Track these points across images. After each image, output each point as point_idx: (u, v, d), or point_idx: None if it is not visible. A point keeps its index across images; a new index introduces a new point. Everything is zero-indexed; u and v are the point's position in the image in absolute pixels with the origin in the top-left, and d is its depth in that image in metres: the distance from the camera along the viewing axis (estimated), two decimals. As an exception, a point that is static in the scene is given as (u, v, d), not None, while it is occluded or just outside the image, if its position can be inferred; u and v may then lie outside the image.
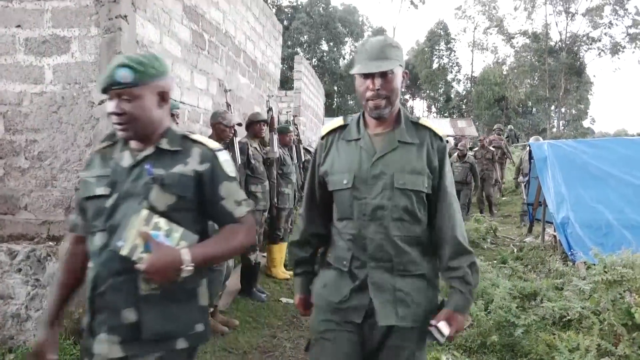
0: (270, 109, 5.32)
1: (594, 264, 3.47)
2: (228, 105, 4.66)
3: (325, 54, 47.27)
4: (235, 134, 4.27)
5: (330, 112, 43.59)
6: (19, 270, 3.46)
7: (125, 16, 3.45)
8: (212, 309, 4.04)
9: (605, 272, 2.93)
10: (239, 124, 4.62)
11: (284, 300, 4.98)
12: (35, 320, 3.44)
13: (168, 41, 4.11)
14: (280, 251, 5.74)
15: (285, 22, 44.41)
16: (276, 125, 5.40)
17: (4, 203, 3.63)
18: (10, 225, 3.63)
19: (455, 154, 10.07)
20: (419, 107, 56.33)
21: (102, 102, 3.45)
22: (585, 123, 43.57)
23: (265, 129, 4.97)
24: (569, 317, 3.29)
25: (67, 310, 3.39)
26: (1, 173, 3.63)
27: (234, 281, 5.01)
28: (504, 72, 39.05)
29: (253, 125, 4.89)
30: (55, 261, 3.41)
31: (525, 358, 3.27)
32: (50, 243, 3.51)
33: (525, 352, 3.31)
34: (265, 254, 5.85)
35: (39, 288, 3.45)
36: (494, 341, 3.39)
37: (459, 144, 10.30)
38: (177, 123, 3.23)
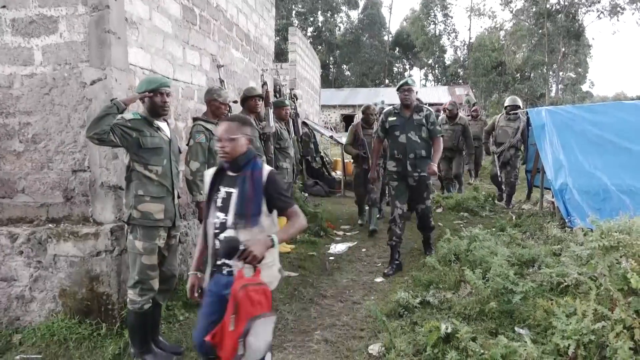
0: (264, 83, 5.26)
1: (591, 230, 3.49)
2: (221, 81, 4.61)
3: (321, 24, 46.51)
4: (230, 111, 4.23)
5: (326, 83, 43.18)
6: (21, 252, 3.49)
7: (113, -7, 3.38)
8: (214, 285, 4.08)
9: (602, 238, 2.95)
10: (235, 101, 4.58)
11: (285, 273, 5.01)
12: (39, 301, 3.49)
13: (158, 17, 4.03)
14: (280, 225, 5.77)
15: (279, -8, 43.55)
16: (271, 100, 5.35)
17: (1, 187, 3.63)
18: (9, 208, 3.64)
19: (444, 114, 8.71)
20: (416, 76, 55.79)
21: (93, 82, 3.41)
22: (584, 87, 43.32)
23: (261, 104, 4.93)
24: (566, 284, 3.33)
25: (70, 291, 3.45)
26: (-4, 157, 3.62)
27: (235, 257, 5.06)
28: (501, 38, 38.50)
29: (248, 100, 4.84)
30: (56, 243, 3.44)
31: (523, 324, 3.32)
32: (50, 225, 3.53)
33: (523, 318, 3.36)
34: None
35: (41, 270, 3.49)
36: (492, 308, 3.44)
37: (448, 103, 8.84)
38: (165, 102, 3.16)
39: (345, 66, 49.94)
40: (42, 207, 3.60)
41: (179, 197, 3.35)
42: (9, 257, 3.49)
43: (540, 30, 34.90)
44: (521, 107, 8.35)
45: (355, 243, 6.29)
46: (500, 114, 8.49)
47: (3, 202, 3.64)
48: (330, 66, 48.66)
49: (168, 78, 4.22)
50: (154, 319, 3.28)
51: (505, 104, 8.31)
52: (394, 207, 5.05)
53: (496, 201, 8.20)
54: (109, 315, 3.42)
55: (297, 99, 10.66)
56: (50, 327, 3.34)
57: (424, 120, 4.92)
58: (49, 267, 3.46)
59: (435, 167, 4.87)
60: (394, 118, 5.02)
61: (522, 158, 8.15)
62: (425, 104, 7.41)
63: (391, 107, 5.22)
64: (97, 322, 3.39)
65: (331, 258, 5.67)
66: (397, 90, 5.00)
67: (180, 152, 3.44)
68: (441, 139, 4.99)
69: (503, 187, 8.22)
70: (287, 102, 5.82)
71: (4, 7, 3.48)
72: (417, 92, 5.03)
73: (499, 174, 8.12)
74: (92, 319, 3.41)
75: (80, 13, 3.41)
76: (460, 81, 41.43)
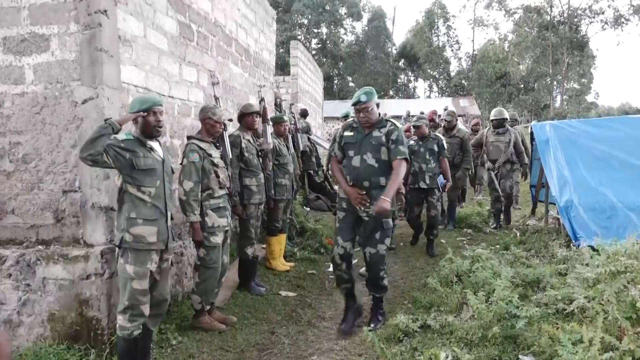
0: (262, 100, 5.19)
1: (597, 252, 3.38)
2: (216, 98, 4.54)
3: (325, 36, 46.72)
4: (225, 129, 4.16)
5: (331, 94, 43.26)
6: (9, 275, 3.40)
7: (105, 11, 3.32)
8: (208, 307, 3.98)
9: (608, 262, 2.84)
10: (230, 120, 4.51)
11: (283, 293, 4.92)
12: (27, 326, 3.39)
13: (153, 34, 3.97)
14: (279, 243, 5.67)
15: (284, 4, 43.86)
16: (269, 116, 5.28)
17: (-9, 208, 3.55)
18: (-1, 230, 3.56)
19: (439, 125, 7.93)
20: (420, 87, 55.90)
21: (85, 101, 3.34)
22: (589, 97, 43.24)
23: (258, 121, 4.85)
24: (571, 309, 3.20)
25: (59, 315, 3.35)
26: (-14, 177, 3.54)
27: (232, 276, 4.96)
28: (506, 49, 38.52)
29: (245, 117, 4.77)
30: (45, 265, 3.35)
31: (527, 350, 3.18)
32: (40, 247, 3.44)
33: (527, 344, 3.22)
34: (264, 246, 5.79)
35: (30, 293, 3.39)
36: (495, 333, 3.31)
37: (445, 113, 7.90)
38: (159, 121, 3.10)
39: (349, 78, 50.03)
40: (32, 229, 3.52)
41: (172, 218, 3.26)
42: (-3, 280, 3.40)
43: (544, 42, 34.88)
44: (508, 119, 7.82)
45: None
46: (487, 128, 7.86)
47: (-8, 223, 3.57)
48: (335, 78, 48.77)
49: (163, 95, 4.16)
50: (145, 345, 3.18)
51: (491, 117, 7.63)
52: (335, 244, 3.90)
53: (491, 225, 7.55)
54: (98, 340, 3.31)
55: (306, 116, 10.58)
56: (38, 353, 3.22)
57: (384, 139, 3.76)
58: (38, 290, 3.37)
59: (386, 204, 3.47)
60: (350, 134, 3.93)
61: (523, 174, 7.67)
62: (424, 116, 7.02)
63: (351, 119, 4.13)
64: (86, 347, 3.28)
65: (331, 277, 5.54)
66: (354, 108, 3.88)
67: (173, 171, 3.36)
68: (404, 162, 3.73)
69: (502, 209, 7.54)
70: (285, 118, 5.74)
71: (-5, 25, 3.43)
72: (377, 105, 3.89)
73: (500, 193, 7.40)
74: (81, 344, 3.30)
75: (72, 31, 3.35)
76: (464, 92, 41.39)
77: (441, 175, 6.26)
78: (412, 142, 6.28)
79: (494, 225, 7.56)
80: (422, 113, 11.40)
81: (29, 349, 3.29)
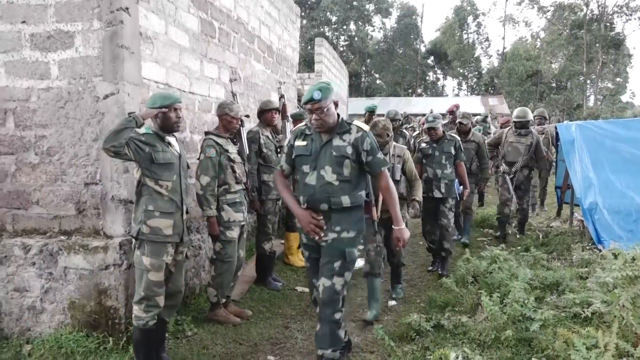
0: (282, 96, 5.22)
1: (615, 255, 3.30)
2: (233, 95, 4.60)
3: (353, 32, 46.55)
4: (242, 125, 4.21)
5: (358, 91, 43.12)
6: (33, 263, 3.53)
7: (127, 8, 3.40)
8: (224, 300, 4.05)
9: (625, 266, 2.76)
10: (247, 115, 4.56)
11: (299, 289, 4.95)
12: (49, 313, 3.51)
13: (174, 31, 4.05)
14: (297, 239, 5.71)
15: (313, 1, 43.89)
16: (289, 112, 5.31)
17: (17, 198, 3.69)
18: (24, 219, 3.70)
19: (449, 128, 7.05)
20: (449, 85, 55.19)
21: (106, 96, 3.44)
22: (625, 97, 41.93)
23: (278, 117, 4.89)
24: (586, 314, 3.14)
25: (79, 304, 3.46)
26: (13, 169, 3.68)
27: (249, 270, 5.02)
28: (537, 46, 37.65)
29: (264, 113, 4.82)
30: (67, 255, 3.46)
31: (541, 354, 3.14)
32: (62, 237, 3.56)
33: (542, 348, 3.18)
34: (283, 242, 5.84)
35: (52, 281, 3.51)
36: (508, 336, 3.27)
37: (460, 115, 7.10)
38: (180, 117, 3.18)
39: (377, 75, 49.75)
40: (55, 219, 3.64)
41: (187, 212, 3.32)
42: (22, 267, 3.53)
43: (576, 41, 33.95)
44: (532, 121, 7.19)
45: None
46: (508, 128, 7.16)
47: (18, 213, 3.70)
48: (362, 75, 48.58)
49: (184, 91, 4.24)
50: (159, 335, 3.25)
51: (514, 117, 6.92)
52: (312, 286, 3.19)
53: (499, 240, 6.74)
54: (115, 329, 3.41)
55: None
56: (59, 339, 3.35)
57: (349, 149, 2.88)
58: (60, 279, 3.49)
59: (405, 233, 3.05)
60: (303, 143, 3.01)
61: (542, 187, 7.38)
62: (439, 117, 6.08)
63: (303, 124, 3.15)
64: (104, 335, 3.39)
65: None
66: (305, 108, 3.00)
67: (189, 167, 3.42)
68: (387, 172, 3.01)
69: (510, 217, 6.75)
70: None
71: (23, 22, 3.55)
72: (336, 105, 2.95)
73: (514, 198, 6.61)
74: (99, 332, 3.41)
75: (95, 28, 3.44)
76: (492, 91, 40.66)
77: (457, 181, 5.46)
78: (424, 144, 5.50)
79: (499, 233, 6.83)
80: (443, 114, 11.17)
81: (50, 335, 3.42)
